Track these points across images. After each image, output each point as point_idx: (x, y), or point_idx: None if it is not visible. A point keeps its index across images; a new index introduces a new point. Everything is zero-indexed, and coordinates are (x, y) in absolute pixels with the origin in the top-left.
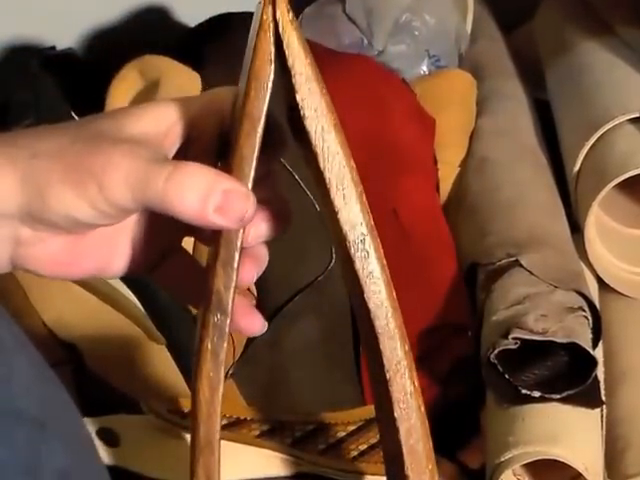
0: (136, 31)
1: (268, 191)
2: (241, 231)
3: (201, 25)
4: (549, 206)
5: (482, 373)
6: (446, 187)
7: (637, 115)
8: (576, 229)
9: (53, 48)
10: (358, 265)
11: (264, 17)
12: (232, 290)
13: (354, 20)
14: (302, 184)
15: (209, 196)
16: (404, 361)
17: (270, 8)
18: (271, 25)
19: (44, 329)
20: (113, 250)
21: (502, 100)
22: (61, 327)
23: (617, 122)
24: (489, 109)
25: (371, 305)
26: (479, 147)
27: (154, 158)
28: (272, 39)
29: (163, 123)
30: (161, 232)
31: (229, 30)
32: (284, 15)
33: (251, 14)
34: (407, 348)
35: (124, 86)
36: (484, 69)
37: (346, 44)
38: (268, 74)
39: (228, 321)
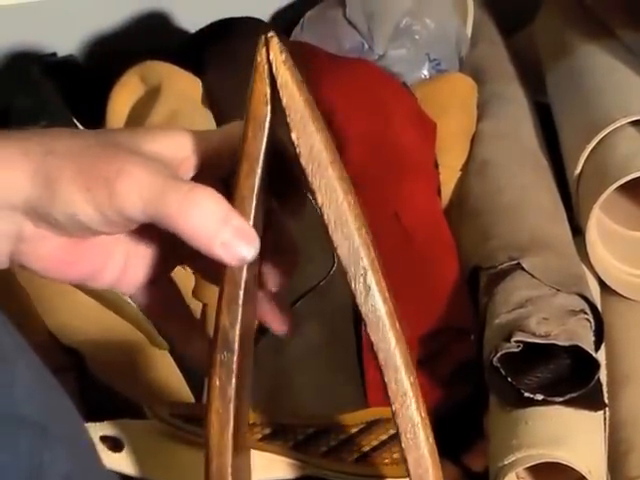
0: (137, 37)
1: (275, 234)
2: (245, 268)
3: (202, 30)
4: (550, 209)
5: (485, 376)
6: (447, 191)
7: (638, 118)
8: (577, 232)
9: (54, 54)
10: (360, 299)
11: (258, 59)
12: (238, 327)
13: (355, 24)
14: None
15: (221, 228)
16: (410, 392)
17: (264, 50)
18: (265, 67)
19: (47, 335)
20: (107, 260)
21: (503, 103)
22: (64, 332)
23: (618, 125)
24: (490, 112)
25: (374, 338)
26: (480, 151)
27: (171, 175)
28: (267, 80)
29: (180, 151)
30: (156, 254)
31: (230, 35)
32: (277, 56)
33: (252, 19)
34: (413, 379)
35: (125, 92)
36: (485, 73)
37: (347, 48)
38: (265, 114)
39: (235, 358)
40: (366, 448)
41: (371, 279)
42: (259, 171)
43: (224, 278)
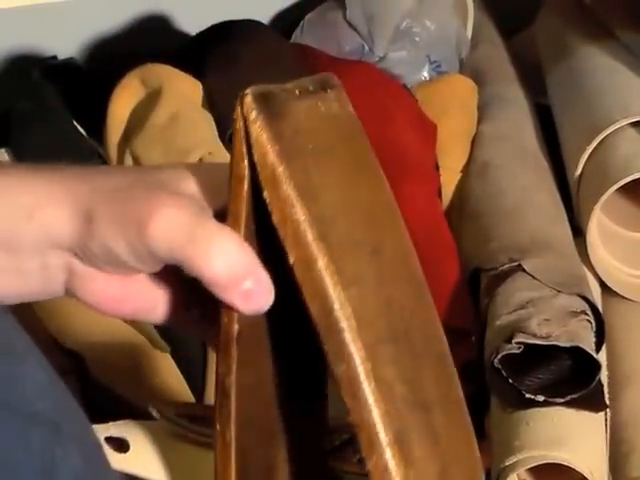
0: (137, 40)
1: None
2: (236, 322)
3: (202, 33)
4: (551, 210)
5: (486, 377)
6: (448, 192)
7: (638, 119)
8: (578, 233)
9: (55, 57)
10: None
11: (235, 116)
12: (233, 376)
13: (355, 26)
14: None
15: (244, 278)
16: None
17: (239, 108)
18: (241, 124)
19: (48, 338)
20: (155, 296)
21: (503, 105)
22: (65, 335)
23: (618, 126)
24: (490, 114)
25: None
26: (481, 152)
27: (202, 217)
28: (244, 138)
29: (217, 190)
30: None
31: (230, 38)
32: (248, 114)
33: (252, 22)
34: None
35: (126, 95)
36: (485, 74)
37: (347, 50)
38: (243, 171)
39: (232, 404)
40: None
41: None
42: (242, 227)
43: (219, 327)
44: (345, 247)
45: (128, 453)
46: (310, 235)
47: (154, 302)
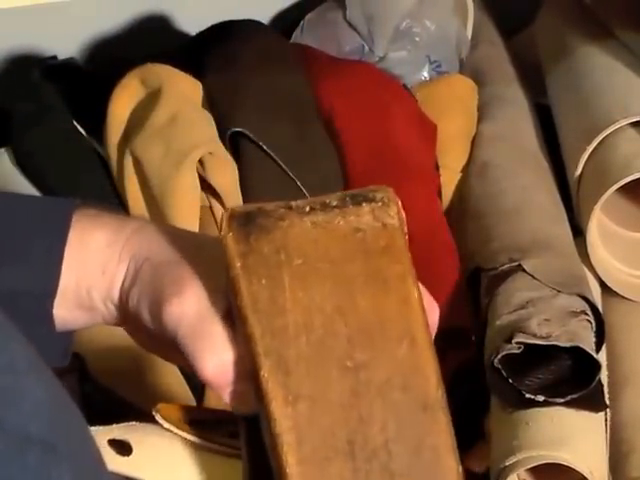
0: (137, 40)
1: None
2: None
3: (202, 33)
4: (551, 210)
5: (486, 377)
6: (448, 192)
7: (638, 119)
8: (578, 233)
9: (55, 57)
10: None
11: (221, 232)
12: None
13: (355, 26)
14: (304, 190)
15: (234, 382)
16: None
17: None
18: (221, 236)
19: None
20: None
21: (503, 105)
22: None
23: (618, 126)
24: (490, 114)
25: None
26: (481, 152)
27: (212, 312)
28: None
29: None
30: None
31: (230, 38)
32: (224, 229)
33: (252, 22)
34: None
35: (126, 95)
36: (485, 74)
37: (347, 51)
38: (223, 281)
39: None
40: None
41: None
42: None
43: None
44: (305, 362)
45: (131, 456)
46: (259, 348)
47: None
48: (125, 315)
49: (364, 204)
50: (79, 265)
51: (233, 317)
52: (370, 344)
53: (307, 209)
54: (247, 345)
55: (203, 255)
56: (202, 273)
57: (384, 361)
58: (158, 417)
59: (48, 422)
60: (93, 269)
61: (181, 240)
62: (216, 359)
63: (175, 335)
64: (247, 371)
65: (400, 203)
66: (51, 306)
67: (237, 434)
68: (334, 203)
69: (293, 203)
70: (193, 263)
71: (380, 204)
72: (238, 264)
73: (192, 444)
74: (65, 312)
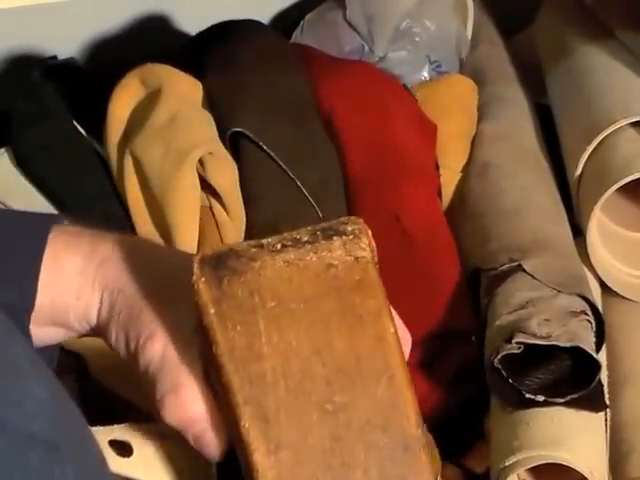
0: (137, 40)
1: None
2: None
3: (202, 33)
4: (551, 210)
5: (486, 378)
6: (448, 192)
7: (638, 119)
8: (578, 233)
9: (55, 57)
10: None
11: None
12: None
13: (355, 26)
14: (304, 190)
15: (194, 426)
16: None
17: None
18: (193, 283)
19: None
20: None
21: (503, 105)
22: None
23: (618, 126)
24: (490, 114)
25: None
26: (481, 152)
27: (182, 354)
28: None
29: None
30: None
31: (230, 38)
32: (196, 275)
33: (252, 22)
34: None
35: (126, 95)
36: (485, 74)
37: (347, 50)
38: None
39: None
40: None
41: None
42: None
43: None
44: (285, 409)
45: (132, 457)
46: (238, 398)
47: None
48: (101, 336)
49: (335, 238)
50: (53, 286)
51: (206, 360)
52: (349, 385)
53: (279, 247)
54: (225, 394)
55: (178, 286)
56: (174, 312)
57: (363, 402)
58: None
59: (51, 421)
60: (67, 292)
61: (153, 268)
62: (182, 412)
63: (147, 378)
64: (218, 420)
65: (370, 233)
66: (28, 321)
67: None
68: (305, 238)
69: (264, 241)
70: (165, 299)
71: (351, 237)
72: (212, 310)
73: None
74: (38, 328)
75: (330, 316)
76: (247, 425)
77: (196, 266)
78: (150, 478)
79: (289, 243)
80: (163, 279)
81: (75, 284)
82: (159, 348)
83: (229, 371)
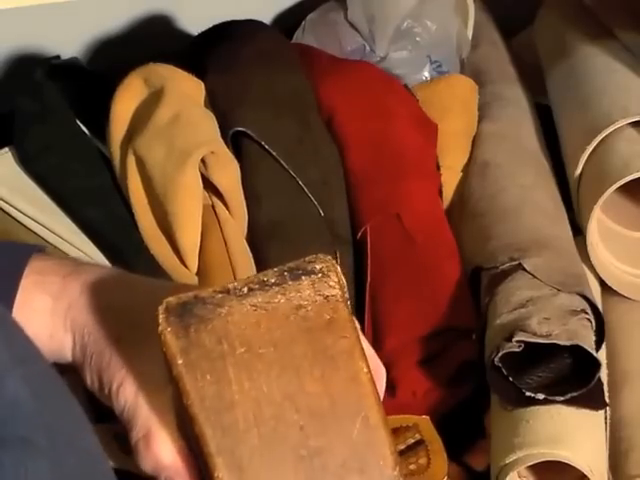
0: (140, 40)
1: None
2: None
3: (204, 33)
4: (551, 210)
5: (486, 376)
6: (449, 192)
7: (638, 119)
8: (578, 232)
9: (58, 57)
10: None
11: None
12: None
13: (356, 27)
14: (306, 189)
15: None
16: None
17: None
18: (159, 333)
19: None
20: None
21: (503, 105)
22: None
23: (618, 126)
24: (491, 114)
25: None
26: (481, 152)
27: (153, 401)
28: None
29: None
30: None
31: (232, 38)
32: (161, 325)
33: (254, 22)
34: None
35: (128, 94)
36: (485, 74)
37: (348, 50)
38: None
39: None
40: None
41: None
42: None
43: None
44: (259, 456)
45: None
46: (210, 449)
47: None
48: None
49: (303, 277)
50: (26, 324)
51: (178, 408)
52: (323, 428)
53: (245, 290)
54: (198, 444)
55: (147, 330)
56: (145, 357)
57: (338, 444)
58: None
59: (27, 418)
60: (40, 331)
61: (122, 313)
62: (153, 460)
63: (124, 423)
64: (189, 466)
65: (339, 269)
66: None
67: None
68: (272, 280)
69: (230, 285)
70: (134, 344)
71: (320, 275)
72: (180, 361)
73: None
74: None
75: (301, 359)
76: (221, 475)
77: (161, 316)
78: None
79: (256, 286)
80: (132, 323)
81: (47, 323)
82: (130, 396)
83: (200, 421)
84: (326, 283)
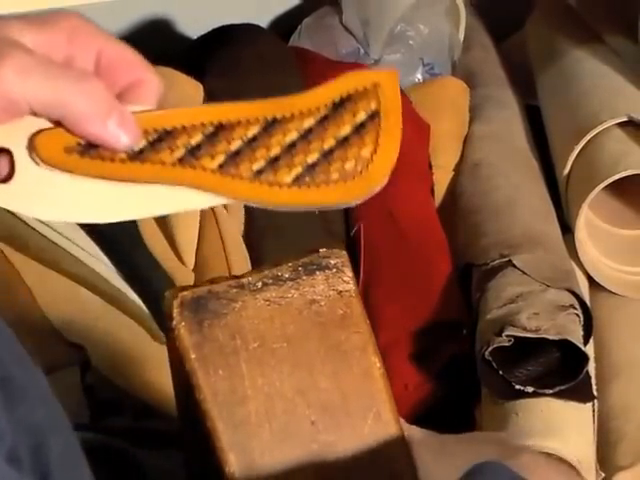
0: (140, 43)
1: None
2: None
3: (203, 37)
4: (541, 208)
5: (477, 370)
6: (441, 190)
7: (625, 119)
8: (567, 230)
9: None
10: None
11: (167, 316)
12: None
13: (351, 30)
14: None
15: (108, 114)
16: None
17: (167, 309)
18: (171, 326)
19: (52, 331)
20: None
21: (494, 106)
22: (68, 328)
23: (605, 126)
24: (482, 115)
25: None
26: (472, 151)
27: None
28: (174, 339)
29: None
30: None
31: (230, 42)
32: (175, 319)
33: (252, 26)
34: None
35: None
36: (476, 76)
37: (343, 54)
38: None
39: None
40: (262, 162)
41: None
42: None
43: None
44: (270, 451)
45: (10, 183)
46: (222, 444)
47: None
48: None
49: (317, 272)
50: None
51: (190, 404)
52: (334, 424)
53: (259, 285)
54: (210, 438)
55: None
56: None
57: (350, 440)
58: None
59: None
60: None
61: None
62: (86, 95)
63: (23, 96)
64: (115, 102)
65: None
66: None
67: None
68: (287, 275)
69: (244, 280)
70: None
71: (334, 270)
72: (193, 356)
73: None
74: None
75: (314, 354)
76: (232, 470)
77: (175, 311)
78: (27, 211)
79: (270, 281)
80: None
81: None
82: (23, 59)
83: (213, 416)
84: (340, 278)
